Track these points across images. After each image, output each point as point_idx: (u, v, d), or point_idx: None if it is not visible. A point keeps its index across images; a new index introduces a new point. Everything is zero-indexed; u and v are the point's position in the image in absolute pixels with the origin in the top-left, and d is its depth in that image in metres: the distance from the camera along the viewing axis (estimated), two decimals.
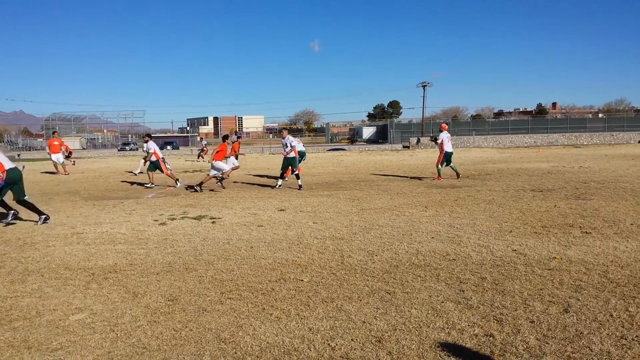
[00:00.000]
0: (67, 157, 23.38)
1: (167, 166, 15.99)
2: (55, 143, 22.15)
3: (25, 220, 9.66)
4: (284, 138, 15.04)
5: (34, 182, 18.59)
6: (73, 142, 77.23)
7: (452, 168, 16.18)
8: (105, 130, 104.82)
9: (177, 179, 16.03)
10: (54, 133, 24.89)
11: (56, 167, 22.15)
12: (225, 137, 15.55)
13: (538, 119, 79.59)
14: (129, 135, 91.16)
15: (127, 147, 71.33)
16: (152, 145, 16.06)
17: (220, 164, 14.55)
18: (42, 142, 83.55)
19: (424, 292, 5.02)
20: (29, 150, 70.65)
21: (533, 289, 5.06)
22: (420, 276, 5.56)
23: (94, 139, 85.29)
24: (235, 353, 3.76)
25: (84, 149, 72.36)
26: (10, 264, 6.49)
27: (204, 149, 33.36)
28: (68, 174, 21.75)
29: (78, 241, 7.73)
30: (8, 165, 9.22)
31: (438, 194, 12.21)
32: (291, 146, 14.33)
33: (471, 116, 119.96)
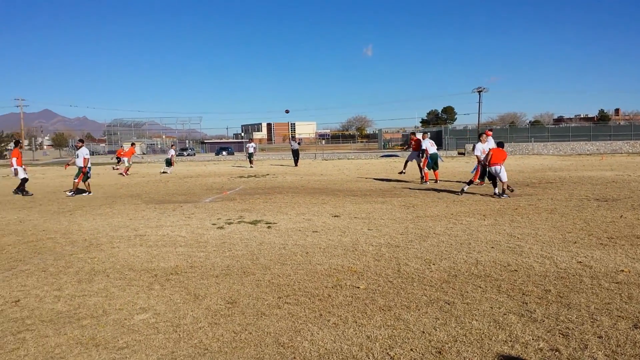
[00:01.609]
0: (118, 161, 27.79)
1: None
2: (126, 149, 27.04)
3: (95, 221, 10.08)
4: (423, 140, 17.15)
5: (97, 186, 19.41)
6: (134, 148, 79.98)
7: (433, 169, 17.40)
8: (163, 136, 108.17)
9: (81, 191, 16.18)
10: (132, 144, 30.27)
11: (123, 168, 25.87)
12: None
13: (600, 126, 76.38)
14: (187, 140, 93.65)
15: (184, 153, 73.32)
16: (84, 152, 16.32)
17: None
18: (104, 147, 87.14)
19: (485, 304, 4.91)
20: (92, 154, 73.64)
21: (600, 302, 4.86)
22: (480, 287, 5.44)
23: (153, 144, 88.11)
24: (294, 358, 3.80)
25: (143, 154, 74.87)
26: (78, 264, 6.79)
27: (253, 153, 33.61)
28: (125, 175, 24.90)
29: (141, 243, 8.01)
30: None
31: (497, 203, 11.92)
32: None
33: (529, 122, 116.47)
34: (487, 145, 14.23)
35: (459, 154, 48.53)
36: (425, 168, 17.38)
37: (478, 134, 16.15)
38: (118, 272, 6.30)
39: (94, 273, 6.30)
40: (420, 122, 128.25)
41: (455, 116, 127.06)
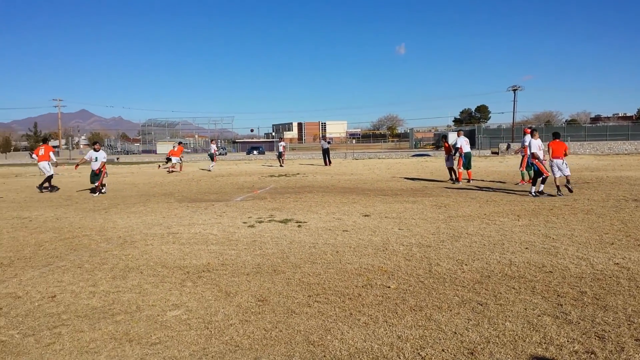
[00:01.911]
0: (168, 160, 29.18)
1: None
2: (176, 149, 28.60)
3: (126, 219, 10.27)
4: (458, 137, 17.03)
5: (132, 184, 19.81)
6: (167, 147, 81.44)
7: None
8: (196, 136, 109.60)
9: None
10: (180, 143, 31.62)
11: (177, 166, 27.96)
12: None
13: (639, 125, 74.10)
14: (219, 140, 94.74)
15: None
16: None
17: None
18: (138, 146, 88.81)
19: (519, 305, 4.81)
20: (127, 154, 75.22)
21: (637, 305, 4.72)
22: (514, 288, 5.34)
23: (186, 143, 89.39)
24: (325, 356, 3.79)
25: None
26: (112, 260, 6.93)
27: (282, 152, 33.59)
28: (172, 172, 26.96)
29: (173, 241, 8.13)
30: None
31: (531, 202, 11.69)
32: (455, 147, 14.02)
33: (565, 121, 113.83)
34: (535, 141, 13.84)
35: (493, 153, 47.76)
36: (461, 168, 17.17)
37: (523, 132, 15.74)
38: (151, 269, 6.40)
39: (128, 270, 6.41)
40: (453, 121, 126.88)
41: (489, 115, 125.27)
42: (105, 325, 4.54)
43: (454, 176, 17.68)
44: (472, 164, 17.91)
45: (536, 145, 13.49)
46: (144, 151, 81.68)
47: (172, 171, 27.26)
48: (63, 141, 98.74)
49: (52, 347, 4.08)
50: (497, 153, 46.72)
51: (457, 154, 17.23)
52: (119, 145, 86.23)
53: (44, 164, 17.62)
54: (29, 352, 4.00)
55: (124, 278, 6.03)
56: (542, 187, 12.89)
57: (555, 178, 13.31)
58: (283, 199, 13.52)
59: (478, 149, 55.84)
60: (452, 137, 79.32)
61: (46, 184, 17.18)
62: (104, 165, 16.20)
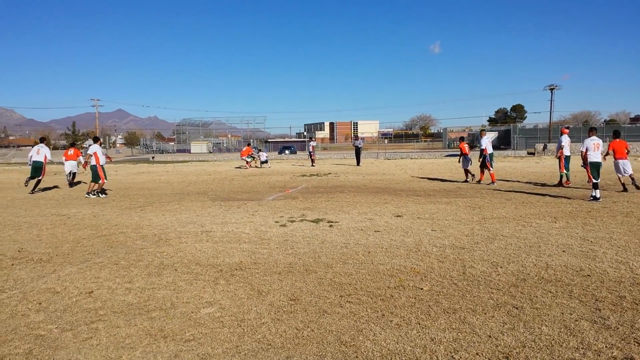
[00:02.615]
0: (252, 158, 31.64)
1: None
2: (244, 149, 31.21)
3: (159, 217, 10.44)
4: (481, 137, 17.31)
5: (167, 183, 20.14)
6: (201, 146, 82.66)
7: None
8: (229, 135, 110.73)
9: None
10: (248, 144, 33.94)
11: (248, 164, 30.47)
12: None
13: None
14: (251, 140, 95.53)
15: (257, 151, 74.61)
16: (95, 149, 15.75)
17: None
18: (173, 145, 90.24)
19: (556, 309, 4.70)
20: (162, 153, 76.51)
21: None
22: (550, 292, 5.21)
23: (219, 143, 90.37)
24: (357, 357, 3.77)
25: (210, 152, 77.03)
26: (148, 257, 7.05)
27: (312, 152, 33.61)
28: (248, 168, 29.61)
29: (207, 239, 8.22)
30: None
31: (568, 205, 11.41)
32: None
33: (604, 121, 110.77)
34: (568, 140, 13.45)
35: (529, 153, 46.84)
36: (491, 168, 16.95)
37: (560, 132, 15.32)
38: (185, 267, 6.49)
39: (162, 267, 6.52)
40: (488, 121, 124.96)
41: (525, 114, 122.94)
42: (141, 321, 4.62)
43: (469, 177, 17.78)
44: (497, 164, 17.77)
45: (589, 144, 12.64)
46: (179, 150, 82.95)
47: (247, 168, 29.97)
48: (100, 140, 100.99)
49: (90, 342, 4.17)
50: (534, 153, 45.79)
51: (481, 155, 17.09)
52: (154, 144, 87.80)
53: (72, 163, 19.25)
54: (66, 346, 4.10)
55: (159, 275, 6.13)
56: (597, 192, 12.09)
57: (620, 177, 13.51)
58: (314, 199, 13.54)
59: (513, 149, 54.85)
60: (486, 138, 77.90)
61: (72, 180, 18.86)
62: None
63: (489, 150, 16.99)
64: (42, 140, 16.71)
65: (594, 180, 12.13)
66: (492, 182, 16.68)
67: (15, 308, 5.04)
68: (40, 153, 16.58)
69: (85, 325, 4.53)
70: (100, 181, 15.15)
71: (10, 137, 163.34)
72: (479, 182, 17.21)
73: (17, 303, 5.19)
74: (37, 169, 16.52)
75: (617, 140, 13.24)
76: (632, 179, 13.28)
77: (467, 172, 18.18)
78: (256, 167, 31.26)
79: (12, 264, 6.80)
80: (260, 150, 35.92)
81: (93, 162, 15.18)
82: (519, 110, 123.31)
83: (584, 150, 12.54)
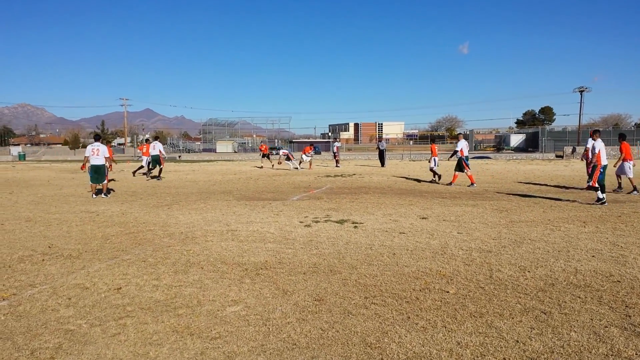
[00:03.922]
0: (266, 156, 32.59)
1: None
2: (310, 152, 30.72)
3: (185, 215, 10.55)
4: (459, 140, 17.57)
5: (193, 182, 20.35)
6: (226, 146, 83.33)
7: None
8: (254, 135, 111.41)
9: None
10: (311, 145, 33.73)
11: (307, 164, 30.39)
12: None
13: None
14: (276, 140, 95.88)
15: (273, 152, 75.02)
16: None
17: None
18: (199, 145, 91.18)
19: (585, 315, 4.61)
20: (188, 152, 77.35)
21: None
22: (579, 297, 5.12)
23: (245, 143, 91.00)
24: (382, 359, 3.75)
25: (235, 152, 77.63)
26: (175, 255, 7.14)
27: (336, 153, 33.67)
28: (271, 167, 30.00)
29: (232, 238, 8.29)
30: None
31: (598, 209, 11.18)
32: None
33: (635, 124, 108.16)
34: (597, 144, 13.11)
35: (557, 156, 46.04)
36: (469, 169, 17.42)
37: (590, 134, 15.09)
38: (211, 265, 6.55)
39: (189, 265, 6.59)
40: (515, 123, 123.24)
41: (554, 117, 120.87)
42: (168, 318, 4.67)
43: (436, 177, 18.97)
44: (525, 167, 17.68)
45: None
46: (205, 150, 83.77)
47: (302, 168, 29.72)
48: (128, 139, 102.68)
49: (118, 337, 4.24)
50: (562, 157, 44.98)
51: (455, 156, 17.64)
52: (180, 143, 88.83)
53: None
54: (95, 341, 4.17)
55: (185, 273, 6.20)
56: (604, 195, 12.10)
57: (631, 178, 13.69)
58: (339, 199, 13.53)
59: (541, 151, 54.00)
60: (515, 139, 76.63)
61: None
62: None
63: (465, 152, 17.39)
64: (98, 138, 15.94)
65: (602, 183, 12.13)
66: (472, 184, 17.07)
67: (46, 303, 5.15)
68: (100, 153, 15.11)
69: (114, 321, 4.61)
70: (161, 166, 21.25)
71: (41, 135, 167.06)
72: (449, 184, 17.64)
73: (48, 298, 5.30)
74: (100, 172, 15.00)
75: (625, 142, 13.34)
76: (631, 182, 13.45)
77: (434, 172, 19.21)
78: (272, 167, 30.95)
79: (43, 260, 6.96)
80: (279, 150, 35.10)
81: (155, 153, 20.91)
82: (547, 113, 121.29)
83: (597, 152, 12.32)
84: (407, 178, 20.22)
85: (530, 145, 68.93)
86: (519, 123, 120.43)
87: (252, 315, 4.71)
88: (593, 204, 11.98)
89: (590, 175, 12.25)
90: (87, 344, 4.12)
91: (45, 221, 10.28)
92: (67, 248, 7.68)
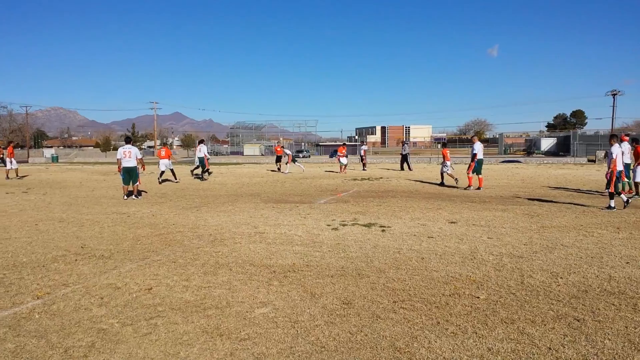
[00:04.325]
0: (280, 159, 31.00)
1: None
2: (344, 151, 29.40)
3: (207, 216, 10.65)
4: (474, 143, 17.47)
5: (221, 184, 20.53)
6: (253, 149, 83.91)
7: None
8: (281, 138, 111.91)
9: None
10: (343, 144, 32.14)
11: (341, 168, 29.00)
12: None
13: None
14: (302, 143, 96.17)
15: (300, 155, 75.30)
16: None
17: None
18: (227, 147, 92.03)
19: (619, 322, 4.50)
20: (216, 155, 78.11)
21: None
22: (614, 304, 5.00)
23: (271, 146, 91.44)
24: None
25: (262, 155, 78.16)
26: (204, 257, 7.21)
27: (363, 156, 33.66)
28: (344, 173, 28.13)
29: (260, 240, 8.33)
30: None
31: (632, 214, 10.90)
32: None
33: None
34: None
35: (589, 161, 45.09)
36: (471, 172, 17.29)
37: (620, 139, 14.87)
38: (240, 267, 6.60)
39: (218, 266, 6.65)
40: (546, 127, 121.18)
41: (586, 120, 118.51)
42: (198, 318, 4.72)
43: (454, 181, 18.58)
44: (556, 171, 17.36)
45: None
46: (232, 153, 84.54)
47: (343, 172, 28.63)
48: (158, 142, 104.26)
49: (149, 337, 4.30)
50: (594, 161, 44.02)
51: (472, 160, 17.34)
52: (208, 146, 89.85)
53: (165, 162, 22.11)
54: (127, 340, 4.23)
55: (214, 274, 6.26)
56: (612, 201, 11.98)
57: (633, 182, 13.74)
58: (366, 203, 13.48)
59: (573, 156, 52.96)
60: (546, 143, 75.27)
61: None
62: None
63: (479, 155, 17.34)
64: (129, 140, 16.05)
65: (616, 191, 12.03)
66: (469, 187, 17.21)
67: (79, 302, 5.25)
68: (132, 156, 15.18)
69: (145, 321, 4.67)
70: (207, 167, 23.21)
71: (73, 138, 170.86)
72: (478, 188, 17.31)
73: (81, 297, 5.41)
74: (132, 174, 15.16)
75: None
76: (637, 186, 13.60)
77: (450, 175, 18.95)
78: (281, 171, 29.67)
79: (76, 260, 7.10)
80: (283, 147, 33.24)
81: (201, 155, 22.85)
82: (579, 116, 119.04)
83: (614, 158, 12.06)
84: (430, 183, 20.02)
85: (562, 149, 67.62)
86: (550, 127, 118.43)
87: (281, 317, 4.72)
88: (603, 208, 11.89)
89: (609, 183, 12.10)
90: (119, 343, 4.19)
91: (78, 222, 10.50)
92: (99, 248, 7.84)
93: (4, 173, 25.52)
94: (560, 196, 14.92)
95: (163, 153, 22.58)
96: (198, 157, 23.46)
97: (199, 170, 23.69)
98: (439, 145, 19.50)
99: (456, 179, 18.61)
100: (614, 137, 12.73)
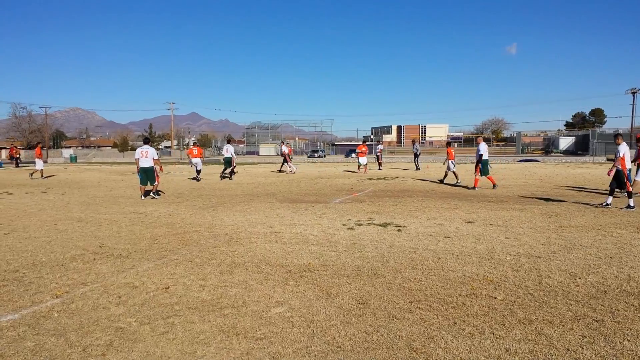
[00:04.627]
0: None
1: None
2: (364, 149, 29.00)
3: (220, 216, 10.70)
4: (479, 143, 17.37)
5: (237, 184, 20.63)
6: (269, 149, 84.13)
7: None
8: (296, 138, 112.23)
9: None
10: (364, 142, 32.99)
11: (359, 168, 28.76)
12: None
13: None
14: (318, 142, 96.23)
15: (315, 154, 75.40)
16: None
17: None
18: (243, 147, 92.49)
19: (639, 323, 4.45)
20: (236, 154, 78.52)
21: None
22: (633, 305, 4.92)
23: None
24: None
25: (278, 155, 78.41)
26: (220, 256, 7.25)
27: (379, 155, 33.67)
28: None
29: (276, 240, 8.35)
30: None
31: None
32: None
33: None
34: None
35: (608, 160, 44.46)
36: (479, 175, 17.31)
37: (636, 137, 14.80)
38: (256, 266, 6.62)
39: (234, 265, 6.68)
40: (565, 125, 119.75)
41: (605, 119, 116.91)
42: (214, 317, 4.75)
43: (459, 179, 19.25)
44: (575, 170, 17.07)
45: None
46: (248, 152, 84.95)
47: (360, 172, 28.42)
48: (175, 142, 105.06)
49: (166, 336, 4.33)
50: (613, 160, 43.42)
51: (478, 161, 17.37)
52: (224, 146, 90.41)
53: (197, 160, 23.56)
54: (144, 339, 4.27)
55: (230, 273, 6.29)
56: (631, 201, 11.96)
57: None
58: (382, 202, 13.44)
59: (592, 155, 52.28)
60: (564, 142, 74.36)
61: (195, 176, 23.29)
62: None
63: (485, 156, 17.40)
64: (147, 141, 16.44)
65: (613, 187, 12.13)
66: (474, 187, 17.06)
67: (97, 301, 5.31)
68: (149, 156, 15.25)
69: (162, 320, 4.71)
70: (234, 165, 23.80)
71: (92, 138, 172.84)
72: (493, 187, 17.26)
73: (99, 296, 5.47)
74: (149, 174, 15.25)
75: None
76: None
77: (454, 174, 19.39)
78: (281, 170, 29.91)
79: (94, 259, 7.19)
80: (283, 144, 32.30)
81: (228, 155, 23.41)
82: (598, 115, 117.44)
83: (622, 156, 12.12)
84: (447, 184, 19.88)
85: (580, 148, 66.82)
86: (568, 125, 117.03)
87: (297, 317, 4.73)
88: (597, 205, 12.07)
89: (623, 182, 12.11)
90: (137, 341, 4.23)
91: (96, 221, 10.62)
92: (117, 248, 7.92)
93: (27, 173, 25.96)
94: (579, 196, 14.74)
95: (195, 152, 23.72)
96: (225, 157, 24.06)
97: (227, 171, 24.28)
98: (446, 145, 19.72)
99: (457, 178, 19.15)
100: (619, 135, 12.75)
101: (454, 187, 18.00)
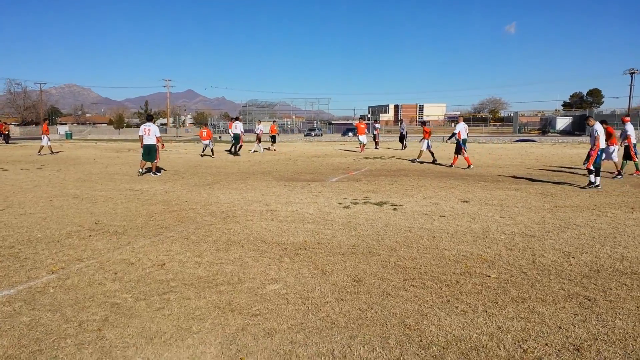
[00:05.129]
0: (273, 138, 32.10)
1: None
2: (362, 126, 29.41)
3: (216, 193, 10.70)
4: (458, 123, 17.96)
5: (233, 162, 20.60)
6: (265, 127, 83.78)
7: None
8: (293, 117, 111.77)
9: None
10: (310, 130, 33.44)
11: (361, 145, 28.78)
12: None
13: None
14: (315, 121, 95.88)
15: (312, 133, 75.13)
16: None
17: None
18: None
19: (631, 302, 4.49)
20: (228, 132, 78.27)
21: None
22: (625, 284, 4.97)
23: (284, 124, 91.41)
24: (421, 341, 3.74)
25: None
26: (216, 233, 7.27)
27: (376, 135, 33.66)
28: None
29: (272, 218, 8.37)
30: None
31: None
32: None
33: None
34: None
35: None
36: (465, 153, 17.68)
37: (622, 120, 15.07)
38: (252, 244, 6.64)
39: (230, 243, 6.70)
40: (562, 105, 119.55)
41: (602, 99, 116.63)
42: (210, 294, 4.78)
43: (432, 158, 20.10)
44: (572, 151, 17.18)
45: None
46: (245, 130, 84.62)
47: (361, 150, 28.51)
48: (171, 119, 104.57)
49: (162, 311, 4.36)
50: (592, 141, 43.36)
51: (454, 139, 18.03)
52: (221, 124, 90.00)
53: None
54: (140, 315, 4.30)
55: (226, 251, 6.31)
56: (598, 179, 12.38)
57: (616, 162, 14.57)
58: (378, 182, 13.46)
59: (589, 135, 52.19)
60: (561, 122, 74.41)
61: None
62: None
63: (463, 135, 17.79)
64: (150, 118, 16.86)
65: (598, 167, 12.27)
66: (469, 166, 17.28)
67: (93, 277, 5.33)
68: (151, 133, 15.21)
69: (158, 296, 4.74)
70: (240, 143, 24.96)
71: (87, 115, 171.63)
72: (450, 165, 17.92)
73: (95, 272, 5.49)
74: (151, 152, 15.31)
75: (609, 127, 14.39)
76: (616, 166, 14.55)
77: (431, 153, 20.24)
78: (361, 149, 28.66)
79: (90, 235, 7.19)
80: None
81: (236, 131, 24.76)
82: (595, 95, 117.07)
83: (597, 135, 12.36)
84: (440, 164, 19.89)
85: (577, 128, 66.78)
86: (566, 105, 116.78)
87: (292, 293, 4.76)
88: (584, 187, 12.08)
89: (587, 159, 12.48)
90: (133, 317, 4.25)
91: (92, 198, 10.61)
92: (113, 224, 7.92)
93: (19, 149, 25.80)
94: (574, 176, 14.78)
95: (205, 134, 24.07)
96: (234, 134, 25.06)
97: (233, 148, 25.04)
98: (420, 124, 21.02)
99: (435, 159, 19.86)
100: (591, 117, 13.11)
101: (449, 167, 18.02)
